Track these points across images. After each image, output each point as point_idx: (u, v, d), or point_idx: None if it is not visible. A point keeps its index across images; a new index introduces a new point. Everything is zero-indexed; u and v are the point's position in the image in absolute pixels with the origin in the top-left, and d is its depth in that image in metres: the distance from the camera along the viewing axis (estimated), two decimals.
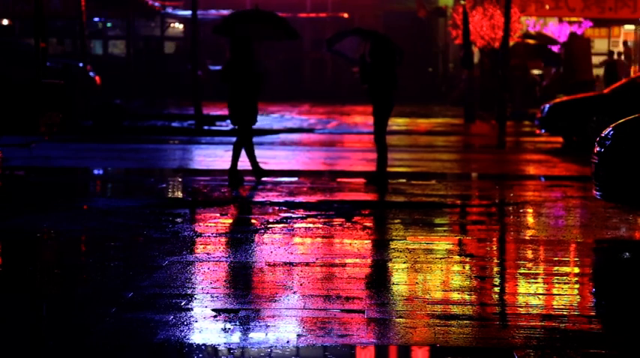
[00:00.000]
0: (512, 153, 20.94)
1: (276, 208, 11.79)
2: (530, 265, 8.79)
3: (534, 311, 7.09)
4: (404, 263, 8.69)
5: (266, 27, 15.07)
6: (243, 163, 14.73)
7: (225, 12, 34.85)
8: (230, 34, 14.95)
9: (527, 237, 10.17)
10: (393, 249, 9.33)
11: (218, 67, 35.80)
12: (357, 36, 14.80)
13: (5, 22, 35.56)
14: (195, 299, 7.31)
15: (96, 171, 16.70)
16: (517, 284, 8.16)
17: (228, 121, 14.38)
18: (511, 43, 29.24)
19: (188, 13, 31.32)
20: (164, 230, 10.18)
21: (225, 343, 6.23)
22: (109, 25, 39.27)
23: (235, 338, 6.36)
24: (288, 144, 21.48)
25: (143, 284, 7.72)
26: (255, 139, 15.25)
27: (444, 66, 40.72)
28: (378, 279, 8.24)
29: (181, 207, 12.00)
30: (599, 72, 36.51)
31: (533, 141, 23.26)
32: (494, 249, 9.83)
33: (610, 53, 35.16)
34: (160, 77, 35.60)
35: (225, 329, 6.51)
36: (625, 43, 37.99)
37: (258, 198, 12.91)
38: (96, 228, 10.32)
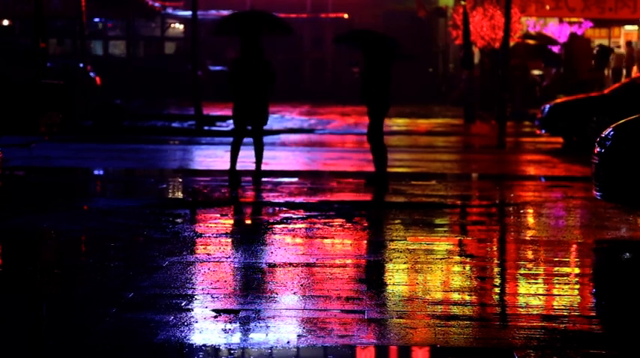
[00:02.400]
0: (512, 154, 20.93)
1: (277, 209, 11.79)
2: (530, 265, 8.80)
3: (534, 312, 7.09)
4: (404, 263, 8.69)
5: (262, 25, 15.05)
6: (244, 163, 14.73)
7: (225, 12, 34.87)
8: (234, 32, 14.97)
9: (527, 238, 10.17)
10: (394, 249, 9.33)
11: (218, 68, 35.87)
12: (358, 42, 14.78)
13: (5, 22, 35.57)
14: (196, 299, 7.31)
15: (96, 171, 16.70)
16: (517, 285, 8.16)
17: (229, 122, 14.33)
18: (511, 43, 29.24)
19: (188, 13, 31.34)
20: (164, 230, 10.17)
21: (225, 343, 6.23)
22: (109, 25, 39.28)
23: (236, 338, 6.36)
24: (289, 145, 21.49)
25: (143, 285, 7.71)
26: None
27: (444, 66, 40.73)
28: (379, 280, 8.24)
29: (182, 208, 12.00)
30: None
31: (533, 141, 23.26)
32: (495, 249, 9.83)
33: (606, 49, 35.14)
34: (160, 77, 35.62)
35: (225, 330, 6.51)
36: (629, 43, 37.96)
37: (258, 199, 12.91)
38: (96, 228, 10.31)
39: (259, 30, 14.31)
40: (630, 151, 9.97)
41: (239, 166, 14.26)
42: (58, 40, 37.57)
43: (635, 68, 36.46)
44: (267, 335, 6.40)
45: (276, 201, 12.43)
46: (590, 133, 19.13)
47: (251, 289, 7.81)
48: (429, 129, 26.52)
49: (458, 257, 9.13)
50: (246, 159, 14.88)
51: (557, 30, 35.67)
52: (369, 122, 14.30)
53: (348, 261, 8.76)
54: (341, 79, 39.40)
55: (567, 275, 8.47)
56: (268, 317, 6.81)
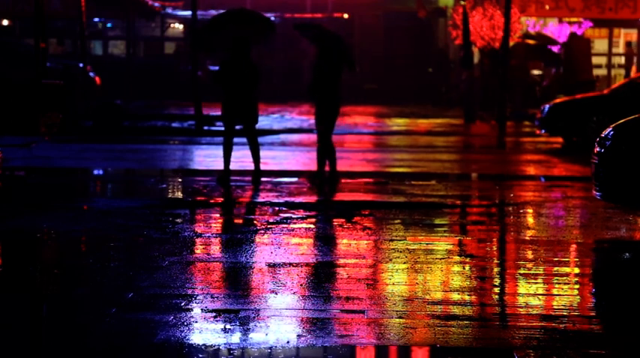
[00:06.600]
0: (512, 154, 20.93)
1: (277, 208, 11.79)
2: (530, 265, 8.79)
3: (534, 312, 7.09)
4: (404, 263, 8.69)
5: (250, 27, 15.02)
6: (243, 164, 14.74)
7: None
8: (213, 46, 15.22)
9: (527, 238, 10.17)
10: (393, 249, 9.33)
11: (218, 68, 35.81)
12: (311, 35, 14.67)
13: (5, 22, 35.58)
14: (196, 299, 7.31)
15: (96, 172, 16.70)
16: (517, 285, 8.17)
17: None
18: (511, 43, 29.24)
19: (188, 13, 31.34)
20: (164, 230, 10.18)
21: (225, 343, 6.23)
22: (109, 25, 39.28)
23: (235, 338, 6.36)
24: (289, 145, 21.49)
25: (143, 285, 7.72)
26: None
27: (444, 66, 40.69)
28: (378, 280, 8.24)
29: (181, 208, 12.00)
30: (599, 72, 36.53)
31: (533, 141, 23.26)
32: (495, 249, 9.83)
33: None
34: (160, 77, 35.61)
35: (225, 330, 6.51)
36: (629, 43, 37.94)
37: (258, 199, 12.91)
38: (96, 228, 10.31)
39: (249, 32, 14.38)
40: (630, 151, 9.97)
41: (239, 166, 14.26)
42: (58, 40, 37.55)
43: (634, 68, 36.45)
44: (267, 335, 6.41)
45: (276, 200, 12.43)
46: (590, 133, 19.12)
47: (251, 289, 7.82)
48: (429, 129, 26.51)
49: (458, 257, 9.13)
50: (245, 159, 14.89)
51: (557, 30, 35.67)
52: (327, 123, 14.26)
53: (348, 261, 8.76)
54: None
55: (567, 275, 8.47)
56: (268, 317, 6.81)
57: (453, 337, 6.41)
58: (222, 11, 16.66)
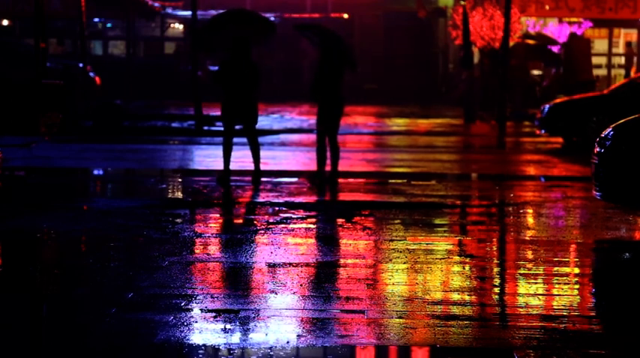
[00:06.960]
0: (512, 154, 20.94)
1: (276, 208, 11.79)
2: (530, 265, 8.80)
3: (534, 312, 7.09)
4: (404, 263, 8.69)
5: (250, 27, 15.05)
6: (243, 164, 14.72)
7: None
8: (213, 46, 15.23)
9: (527, 238, 10.17)
10: (393, 249, 9.33)
11: (217, 68, 35.79)
12: (312, 36, 14.73)
13: (5, 22, 35.59)
14: (196, 299, 7.31)
15: (96, 172, 16.70)
16: (517, 285, 8.17)
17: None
18: (511, 43, 29.24)
19: (188, 13, 31.35)
20: (164, 230, 10.18)
21: (225, 343, 6.23)
22: (109, 25, 39.29)
23: (235, 338, 6.36)
24: (288, 145, 21.49)
25: (143, 285, 7.72)
26: None
27: (444, 66, 40.71)
28: (378, 280, 8.24)
29: (181, 208, 12.00)
30: (599, 72, 36.53)
31: (533, 141, 23.26)
32: (495, 249, 9.83)
33: None
34: (160, 77, 35.61)
35: (225, 330, 6.51)
36: (629, 43, 37.93)
37: (258, 199, 12.91)
38: (96, 228, 10.31)
39: (249, 32, 14.40)
40: (630, 151, 9.97)
41: (239, 166, 14.22)
42: (58, 40, 37.55)
43: (634, 68, 36.45)
44: (267, 335, 6.41)
45: (276, 201, 12.43)
46: (590, 133, 19.11)
47: (251, 289, 7.82)
48: (429, 129, 26.51)
49: (458, 257, 9.13)
50: (245, 159, 14.89)
51: (556, 30, 35.67)
52: (331, 122, 14.21)
53: (348, 261, 8.76)
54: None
55: (567, 275, 8.47)
56: (268, 317, 6.81)
57: (453, 337, 6.41)
58: (222, 11, 16.69)
